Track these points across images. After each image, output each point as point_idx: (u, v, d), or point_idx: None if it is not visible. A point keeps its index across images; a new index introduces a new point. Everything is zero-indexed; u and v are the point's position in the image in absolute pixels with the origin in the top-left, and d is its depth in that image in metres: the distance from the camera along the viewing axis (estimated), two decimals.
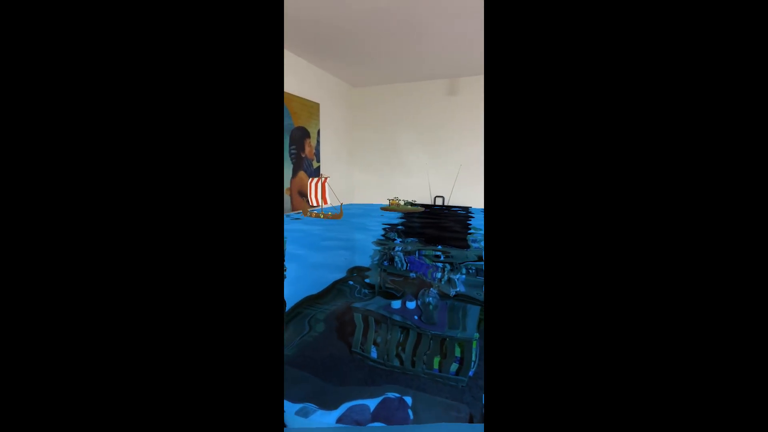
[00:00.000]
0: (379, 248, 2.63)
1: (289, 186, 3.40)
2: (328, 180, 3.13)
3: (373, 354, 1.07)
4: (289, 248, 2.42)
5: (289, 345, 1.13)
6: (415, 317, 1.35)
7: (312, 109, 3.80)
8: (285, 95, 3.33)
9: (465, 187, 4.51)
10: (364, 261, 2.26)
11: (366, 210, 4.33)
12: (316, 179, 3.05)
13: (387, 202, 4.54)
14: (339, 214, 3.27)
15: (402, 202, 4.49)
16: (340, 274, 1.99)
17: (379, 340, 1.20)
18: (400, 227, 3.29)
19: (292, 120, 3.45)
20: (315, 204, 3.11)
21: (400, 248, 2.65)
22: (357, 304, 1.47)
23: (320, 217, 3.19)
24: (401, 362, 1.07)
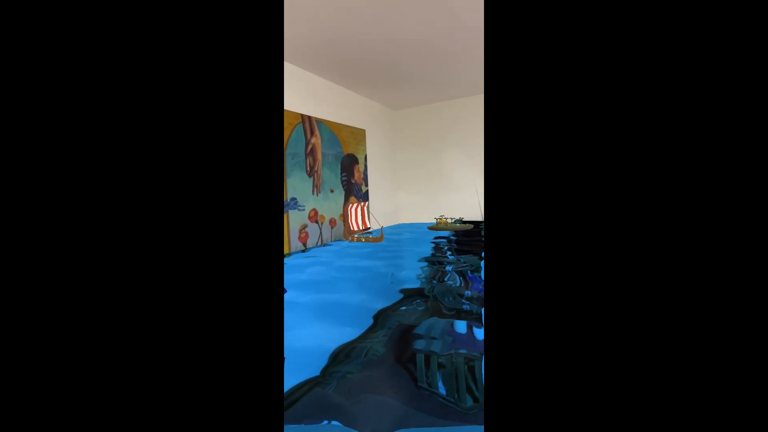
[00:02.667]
0: (428, 266, 2.61)
1: (341, 212, 3.52)
2: (367, 205, 3.23)
3: (441, 390, 1.02)
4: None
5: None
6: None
7: (359, 135, 3.95)
8: (335, 125, 3.51)
9: None
10: (413, 282, 2.25)
11: (413, 230, 4.33)
12: (355, 205, 3.15)
13: (434, 221, 4.52)
14: (380, 237, 3.33)
15: (450, 220, 4.44)
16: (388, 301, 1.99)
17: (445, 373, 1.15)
18: (453, 245, 3.24)
19: (342, 148, 3.61)
20: (355, 228, 3.20)
21: (452, 267, 2.59)
22: (419, 330, 1.45)
23: (362, 241, 3.27)
24: (474, 398, 1.03)
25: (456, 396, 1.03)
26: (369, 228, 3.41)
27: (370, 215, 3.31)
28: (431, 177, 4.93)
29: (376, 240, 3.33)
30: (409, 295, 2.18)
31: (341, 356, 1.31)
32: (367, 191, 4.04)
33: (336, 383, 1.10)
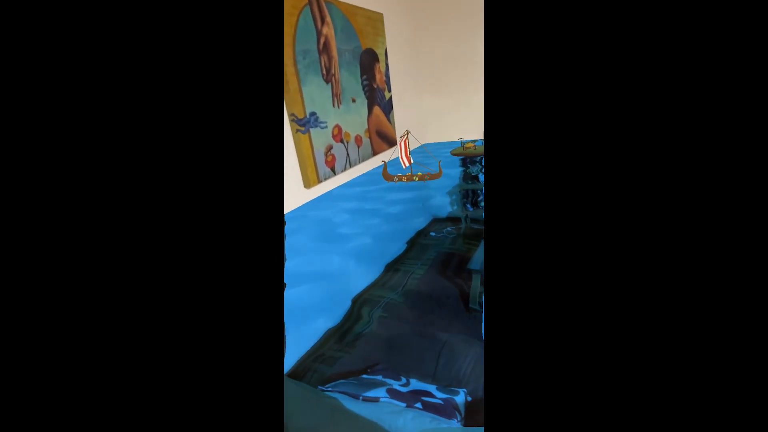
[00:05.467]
0: (456, 189, 2.23)
1: (366, 127, 2.94)
2: (409, 135, 2.60)
3: None
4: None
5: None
6: None
7: (376, 22, 3.07)
8: (348, 8, 2.65)
9: None
10: (443, 211, 1.93)
11: (446, 153, 3.77)
12: (404, 138, 2.53)
13: (459, 143, 3.90)
14: (438, 173, 2.74)
15: (476, 143, 3.82)
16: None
17: None
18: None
19: (359, 41, 2.81)
20: (407, 164, 2.61)
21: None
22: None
23: (414, 180, 2.72)
24: None
25: None
26: (411, 163, 2.76)
27: (409, 138, 2.68)
28: (466, 74, 4.10)
29: (433, 177, 2.74)
30: None
31: None
32: (390, 98, 3.35)
33: None
